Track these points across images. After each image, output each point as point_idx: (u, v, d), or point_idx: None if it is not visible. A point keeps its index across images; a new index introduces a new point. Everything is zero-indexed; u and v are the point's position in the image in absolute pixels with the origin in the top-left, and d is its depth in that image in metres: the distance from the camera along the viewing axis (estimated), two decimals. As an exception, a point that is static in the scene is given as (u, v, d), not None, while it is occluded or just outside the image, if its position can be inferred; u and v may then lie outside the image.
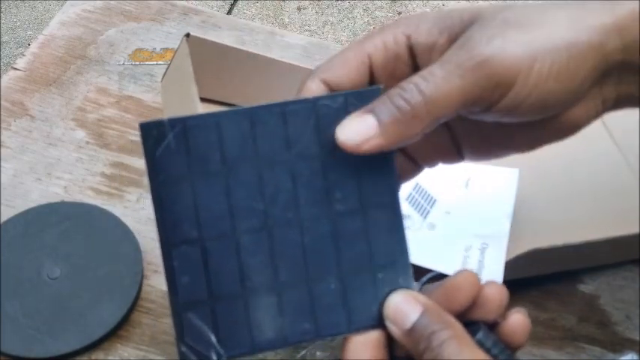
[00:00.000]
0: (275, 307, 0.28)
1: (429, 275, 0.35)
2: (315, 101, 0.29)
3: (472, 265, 0.44)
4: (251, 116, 0.28)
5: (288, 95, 0.52)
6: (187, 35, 0.44)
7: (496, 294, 0.30)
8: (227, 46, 0.47)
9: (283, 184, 0.29)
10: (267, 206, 0.28)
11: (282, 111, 0.29)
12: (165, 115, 0.47)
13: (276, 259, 0.29)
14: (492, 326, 0.30)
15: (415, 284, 0.30)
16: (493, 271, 0.43)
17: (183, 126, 0.28)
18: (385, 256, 0.29)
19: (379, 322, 0.29)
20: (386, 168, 0.29)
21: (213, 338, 0.28)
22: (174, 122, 0.28)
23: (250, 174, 0.28)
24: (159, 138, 0.28)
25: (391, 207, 0.29)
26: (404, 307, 0.29)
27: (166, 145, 0.28)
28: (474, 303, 0.29)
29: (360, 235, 0.29)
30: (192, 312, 0.28)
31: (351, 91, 0.29)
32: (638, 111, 0.55)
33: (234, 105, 0.52)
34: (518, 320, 0.30)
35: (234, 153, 0.28)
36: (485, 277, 0.43)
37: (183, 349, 0.28)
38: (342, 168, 0.29)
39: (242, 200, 0.28)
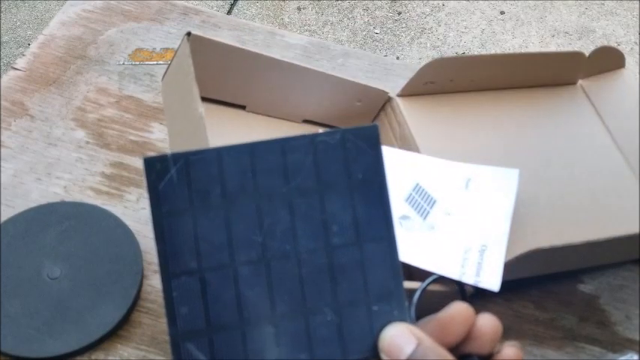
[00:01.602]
0: (272, 338, 0.29)
1: (429, 279, 0.35)
2: (313, 138, 0.30)
3: (471, 267, 0.44)
4: (251, 151, 0.29)
5: (290, 94, 0.52)
6: (188, 34, 0.44)
7: (490, 327, 0.30)
8: (228, 45, 0.47)
9: (281, 217, 0.30)
10: (265, 238, 0.29)
11: (282, 147, 0.30)
12: (166, 114, 0.47)
13: (273, 291, 0.29)
14: (486, 359, 0.30)
15: (412, 305, 0.31)
16: (492, 273, 0.43)
17: (186, 160, 0.29)
18: (380, 288, 0.30)
19: (374, 354, 0.30)
20: (381, 202, 0.30)
21: None
22: (177, 157, 0.29)
23: (249, 207, 0.29)
24: (162, 172, 0.29)
25: (387, 240, 0.30)
26: (399, 339, 0.29)
27: (169, 179, 0.29)
28: (468, 336, 0.30)
29: (356, 267, 0.30)
30: (191, 342, 0.29)
31: (348, 127, 0.30)
32: (638, 111, 0.56)
33: (234, 104, 0.52)
34: (512, 354, 0.30)
35: (234, 186, 0.29)
36: (483, 280, 0.43)
37: None
38: (339, 202, 0.30)
39: (241, 232, 0.29)
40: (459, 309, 0.30)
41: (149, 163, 0.28)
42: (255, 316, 0.29)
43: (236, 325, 0.29)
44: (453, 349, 0.29)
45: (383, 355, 0.29)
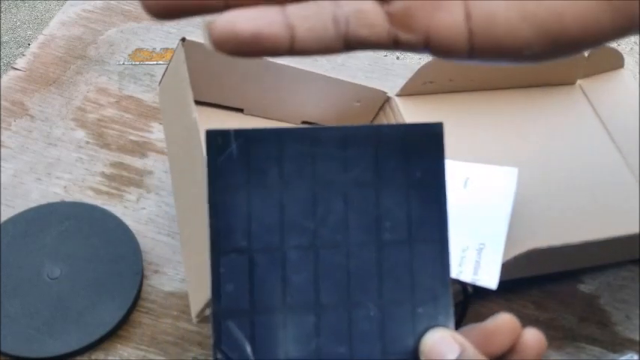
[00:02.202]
0: (312, 327, 0.29)
1: None
2: (377, 129, 0.30)
3: (468, 266, 0.44)
4: (313, 136, 0.29)
5: (287, 96, 0.52)
6: (183, 40, 0.44)
7: (535, 341, 0.29)
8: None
9: (335, 206, 0.29)
10: (317, 226, 0.29)
11: (344, 135, 0.29)
12: (163, 118, 0.47)
13: (319, 280, 0.29)
14: None
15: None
16: (489, 272, 0.43)
17: (247, 138, 0.29)
18: (427, 291, 0.30)
19: (413, 357, 0.29)
20: (438, 203, 0.30)
21: (248, 349, 0.28)
22: (239, 133, 0.29)
23: (305, 192, 0.29)
24: (222, 146, 0.28)
25: (439, 243, 0.30)
26: (441, 345, 0.28)
27: (229, 154, 0.28)
28: (512, 349, 0.29)
29: (405, 266, 0.30)
30: (232, 320, 0.28)
31: (412, 123, 0.30)
32: (638, 111, 0.56)
33: (232, 107, 0.53)
34: (533, 337, 0.30)
35: (292, 169, 0.29)
36: (481, 278, 0.43)
37: (219, 356, 0.28)
38: (395, 198, 0.29)
39: (294, 217, 0.29)
40: (505, 319, 0.29)
41: (211, 135, 0.28)
42: (298, 302, 0.29)
43: (279, 310, 0.29)
44: None
45: (423, 359, 0.29)
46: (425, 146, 0.30)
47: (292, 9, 0.25)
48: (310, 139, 0.29)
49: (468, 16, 0.26)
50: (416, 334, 0.29)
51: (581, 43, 0.27)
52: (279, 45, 0.25)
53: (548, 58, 0.28)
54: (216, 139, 0.28)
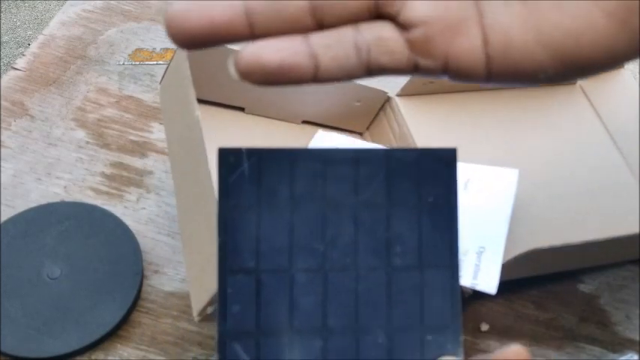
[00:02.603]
0: (319, 352, 0.28)
1: None
2: (388, 152, 0.29)
3: (468, 270, 0.44)
4: (325, 157, 0.29)
5: (288, 95, 0.52)
6: None
7: None
8: (225, 48, 0.47)
9: (345, 229, 0.29)
10: (326, 248, 0.29)
11: (356, 157, 0.29)
12: (164, 117, 0.47)
13: (327, 303, 0.29)
14: None
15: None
16: (489, 277, 0.43)
17: (259, 157, 0.29)
18: (436, 318, 0.29)
19: None
20: (449, 228, 0.30)
21: None
22: (251, 152, 0.29)
23: (315, 213, 0.29)
24: (234, 165, 0.28)
25: (449, 269, 0.29)
26: None
27: (240, 173, 0.28)
28: None
29: (414, 292, 0.29)
30: (238, 342, 0.28)
31: (425, 148, 0.30)
32: (638, 112, 0.56)
33: (233, 106, 0.52)
34: (514, 351, 0.29)
35: (303, 190, 0.29)
36: (480, 282, 0.43)
37: None
38: (406, 222, 0.29)
39: (303, 238, 0.29)
40: (516, 351, 0.29)
41: (223, 153, 0.28)
42: (305, 326, 0.28)
43: (285, 333, 0.28)
44: None
45: None
46: (437, 171, 0.30)
47: (315, 38, 0.26)
48: (322, 160, 0.29)
49: (485, 42, 0.27)
50: None
51: (596, 66, 0.27)
52: (304, 74, 0.26)
53: (563, 79, 0.28)
54: (229, 158, 0.28)
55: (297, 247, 0.29)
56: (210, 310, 0.37)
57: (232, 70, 0.26)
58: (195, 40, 0.26)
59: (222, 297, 0.28)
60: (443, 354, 0.29)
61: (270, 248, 0.28)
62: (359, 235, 0.29)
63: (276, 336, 0.28)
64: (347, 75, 0.27)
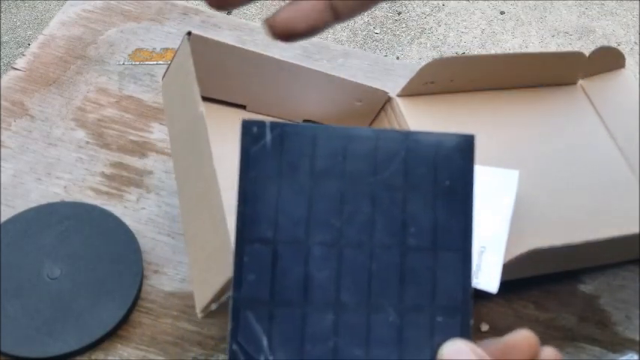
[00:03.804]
0: (331, 326, 0.29)
1: None
2: (408, 135, 0.30)
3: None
4: (347, 136, 0.29)
5: (290, 94, 0.52)
6: (189, 34, 0.44)
7: None
8: (228, 45, 0.47)
9: (363, 207, 0.29)
10: (343, 224, 0.29)
11: (377, 136, 0.30)
12: (166, 114, 0.47)
13: (341, 278, 0.29)
14: None
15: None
16: (490, 276, 0.43)
17: (282, 131, 0.29)
18: (447, 300, 0.29)
19: None
20: (464, 213, 0.30)
21: (265, 342, 0.28)
22: (274, 125, 0.29)
23: (334, 190, 0.29)
24: (257, 137, 0.29)
25: (463, 252, 0.30)
26: (459, 356, 0.28)
27: (262, 145, 0.29)
28: None
29: (427, 273, 0.29)
30: (251, 311, 0.28)
31: (444, 132, 0.30)
32: (639, 111, 0.56)
33: (234, 103, 0.52)
34: (551, 354, 0.29)
35: (323, 166, 0.29)
36: (481, 281, 0.43)
37: (234, 347, 0.28)
38: (422, 204, 0.30)
39: (321, 213, 0.29)
40: (525, 336, 0.29)
41: (246, 125, 0.29)
42: (318, 299, 0.29)
43: (298, 305, 0.28)
44: None
45: None
46: (455, 156, 0.30)
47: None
48: (343, 138, 0.29)
49: None
50: (433, 343, 0.29)
51: None
52: (327, 25, 0.31)
53: None
54: (251, 129, 0.29)
55: (315, 221, 0.29)
56: (214, 306, 0.37)
57: (267, 33, 0.30)
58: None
59: (238, 265, 0.28)
60: (453, 336, 0.29)
61: (287, 220, 0.29)
62: (375, 214, 0.29)
63: (290, 307, 0.28)
64: (363, 6, 0.31)
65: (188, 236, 0.41)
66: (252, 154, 0.29)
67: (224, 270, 0.36)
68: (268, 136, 0.29)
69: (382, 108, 0.55)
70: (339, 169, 0.29)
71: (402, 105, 0.53)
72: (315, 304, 0.29)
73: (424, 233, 0.30)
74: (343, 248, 0.29)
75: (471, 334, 0.29)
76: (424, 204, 0.30)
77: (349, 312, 0.29)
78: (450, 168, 0.30)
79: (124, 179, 0.55)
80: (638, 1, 1.88)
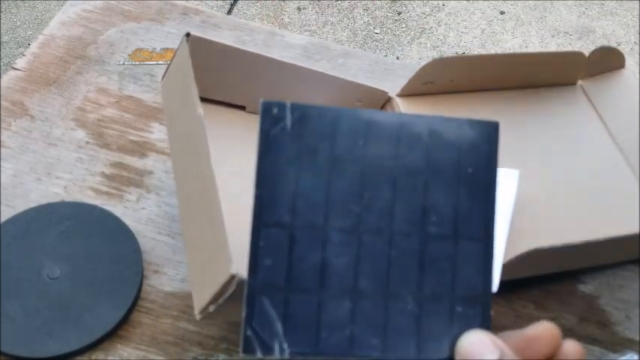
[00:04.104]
0: (348, 314, 0.28)
1: None
2: (431, 120, 0.29)
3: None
4: (368, 119, 0.29)
5: (290, 94, 0.52)
6: (188, 35, 0.44)
7: (576, 353, 0.28)
8: (228, 46, 0.47)
9: (383, 193, 0.29)
10: (362, 210, 0.28)
11: (400, 121, 0.29)
12: (166, 115, 0.47)
13: (359, 265, 0.28)
14: None
15: None
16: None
17: (303, 113, 0.28)
18: (468, 290, 0.29)
19: (449, 357, 0.28)
20: (486, 201, 0.29)
21: (280, 329, 0.27)
22: (295, 107, 0.28)
23: (354, 175, 0.28)
24: (277, 118, 0.28)
25: (484, 242, 0.29)
26: (480, 348, 0.27)
27: (282, 127, 0.28)
28: (551, 358, 0.28)
29: (447, 262, 0.29)
30: (266, 297, 0.28)
31: (468, 119, 0.29)
32: (638, 111, 0.56)
33: (234, 104, 0.52)
34: (573, 350, 0.29)
35: (343, 150, 0.28)
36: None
37: (249, 333, 0.27)
38: (444, 191, 0.29)
39: (340, 198, 0.28)
40: (547, 328, 0.28)
41: (266, 106, 0.28)
42: (335, 286, 0.28)
43: (315, 291, 0.28)
44: None
45: None
46: (478, 143, 0.29)
47: None
48: (365, 122, 0.29)
49: None
50: (452, 333, 0.28)
51: None
52: None
53: None
54: (271, 110, 0.28)
55: (333, 207, 0.28)
56: (212, 308, 0.37)
57: None
58: None
59: (254, 250, 0.28)
60: (473, 326, 0.28)
61: (306, 205, 0.28)
62: (396, 200, 0.29)
63: (306, 293, 0.28)
64: None
65: (186, 237, 0.42)
66: (272, 136, 0.28)
67: (222, 272, 0.36)
68: (288, 118, 0.28)
69: (382, 108, 0.55)
70: (359, 154, 0.28)
71: (402, 105, 0.53)
72: (332, 291, 0.28)
73: (445, 221, 0.29)
74: (362, 234, 0.28)
75: (491, 325, 0.28)
76: (446, 191, 0.29)
77: (367, 300, 0.28)
78: (474, 155, 0.29)
79: (124, 179, 0.55)
80: (638, 1, 1.88)
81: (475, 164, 0.29)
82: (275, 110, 0.28)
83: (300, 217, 0.28)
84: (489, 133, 0.29)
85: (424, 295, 0.28)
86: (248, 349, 0.27)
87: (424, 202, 0.29)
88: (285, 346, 0.27)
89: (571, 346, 0.29)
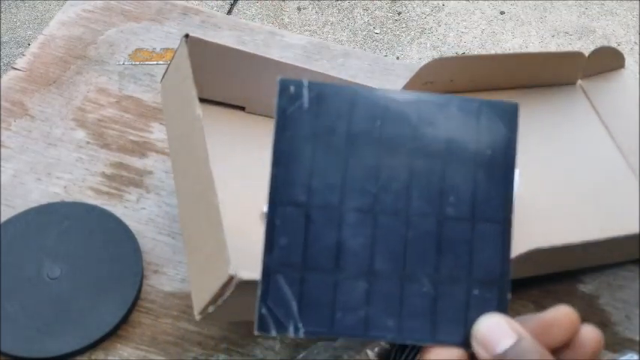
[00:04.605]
0: (363, 295, 0.28)
1: None
2: (449, 100, 0.29)
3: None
4: (386, 99, 0.28)
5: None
6: (186, 36, 0.44)
7: (594, 339, 0.28)
8: (226, 47, 0.47)
9: (400, 174, 0.28)
10: (379, 191, 0.28)
11: (417, 100, 0.28)
12: (165, 116, 0.47)
13: (375, 246, 0.28)
14: None
15: None
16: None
17: (320, 91, 0.28)
18: (485, 273, 0.28)
19: (464, 341, 0.28)
20: (505, 183, 0.29)
21: (295, 308, 0.27)
22: (312, 85, 0.28)
23: (370, 155, 0.28)
24: (294, 96, 0.28)
25: (502, 224, 0.29)
26: (496, 331, 0.27)
27: (299, 105, 0.28)
28: (569, 343, 0.28)
29: (465, 244, 0.28)
30: (282, 275, 0.27)
31: (487, 100, 0.29)
32: (638, 111, 0.56)
33: (233, 105, 0.52)
34: (591, 334, 0.28)
35: (360, 130, 0.28)
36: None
37: (264, 311, 0.27)
38: (462, 173, 0.29)
39: (356, 178, 0.28)
40: (565, 312, 0.28)
41: (283, 84, 0.28)
42: (351, 266, 0.28)
43: (330, 271, 0.28)
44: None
45: (475, 345, 0.27)
46: (498, 125, 0.29)
47: None
48: (383, 102, 0.28)
49: None
50: (469, 316, 0.28)
51: None
52: None
53: None
54: (288, 88, 0.28)
55: (350, 187, 0.28)
56: (211, 309, 0.37)
57: None
58: None
59: (270, 228, 0.27)
60: (490, 310, 0.28)
61: (322, 184, 0.28)
62: (413, 181, 0.28)
63: (322, 273, 0.28)
64: None
65: (186, 238, 0.42)
66: (289, 114, 0.28)
67: (221, 272, 0.36)
68: (305, 97, 0.28)
69: (382, 108, 0.55)
70: (376, 134, 0.28)
71: (402, 105, 0.53)
72: (347, 272, 0.28)
73: (463, 203, 0.28)
74: (378, 215, 0.28)
75: (508, 309, 0.28)
76: (464, 173, 0.28)
77: (382, 281, 0.28)
78: (493, 137, 0.29)
79: (124, 179, 0.55)
80: (638, 1, 1.88)
81: (494, 146, 0.29)
82: (292, 88, 0.28)
83: (316, 196, 0.28)
84: (509, 114, 0.29)
85: (440, 277, 0.28)
86: (262, 327, 0.27)
87: (441, 184, 0.28)
88: (300, 325, 0.27)
89: (589, 332, 0.28)
